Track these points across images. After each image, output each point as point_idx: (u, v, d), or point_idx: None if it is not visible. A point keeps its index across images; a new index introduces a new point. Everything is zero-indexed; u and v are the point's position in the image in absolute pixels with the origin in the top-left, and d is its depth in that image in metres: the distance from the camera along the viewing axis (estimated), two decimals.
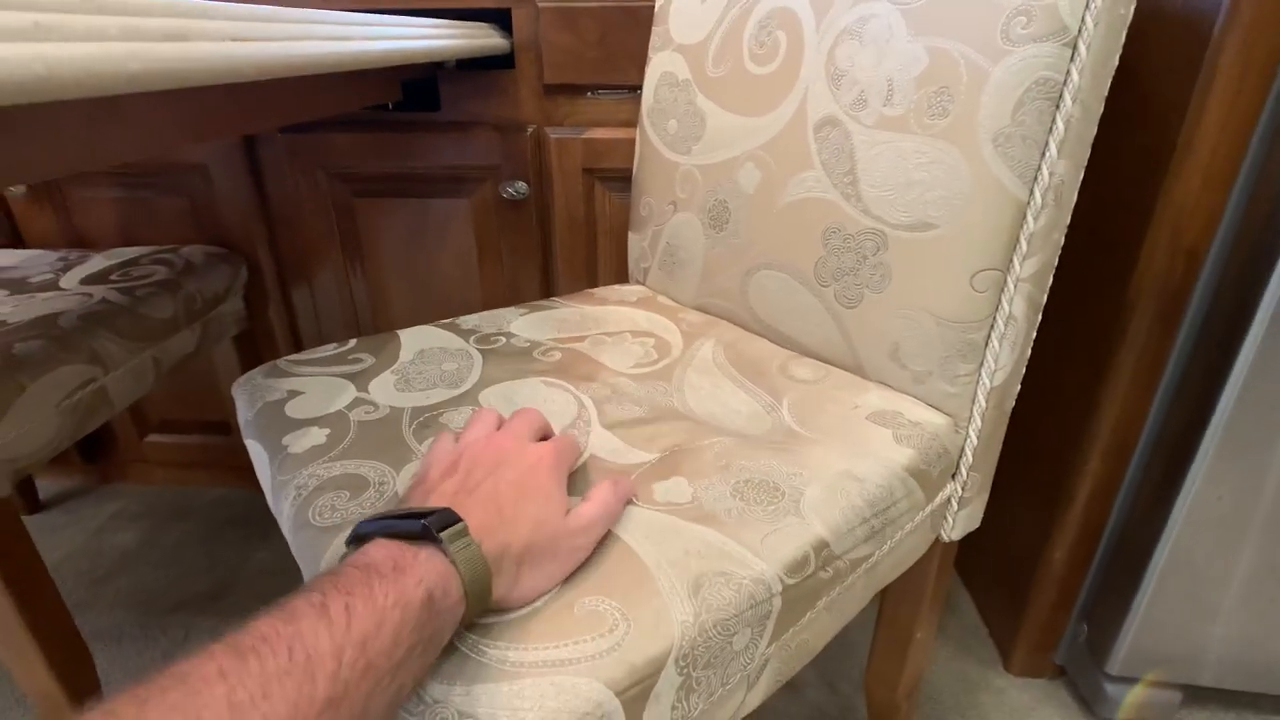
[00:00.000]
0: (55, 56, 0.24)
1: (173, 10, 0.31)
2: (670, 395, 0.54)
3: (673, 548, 0.37)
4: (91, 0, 0.27)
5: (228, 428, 1.07)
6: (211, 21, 0.33)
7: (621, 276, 0.92)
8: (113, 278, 0.82)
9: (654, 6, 0.72)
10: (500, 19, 0.80)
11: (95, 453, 1.13)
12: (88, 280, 0.81)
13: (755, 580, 0.37)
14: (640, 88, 0.75)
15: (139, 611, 0.92)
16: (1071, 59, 0.44)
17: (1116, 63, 0.46)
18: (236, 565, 1.00)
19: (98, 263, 0.87)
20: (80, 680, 0.71)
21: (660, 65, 0.71)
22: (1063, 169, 0.46)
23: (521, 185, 0.86)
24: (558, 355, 0.60)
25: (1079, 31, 0.43)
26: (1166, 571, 0.69)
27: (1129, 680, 0.75)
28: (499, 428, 0.42)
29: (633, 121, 0.84)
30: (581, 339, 0.64)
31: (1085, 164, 0.48)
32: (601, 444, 0.47)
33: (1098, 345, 0.69)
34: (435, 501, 0.34)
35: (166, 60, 0.28)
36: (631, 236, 0.79)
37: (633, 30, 0.78)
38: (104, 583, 0.97)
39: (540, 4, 0.79)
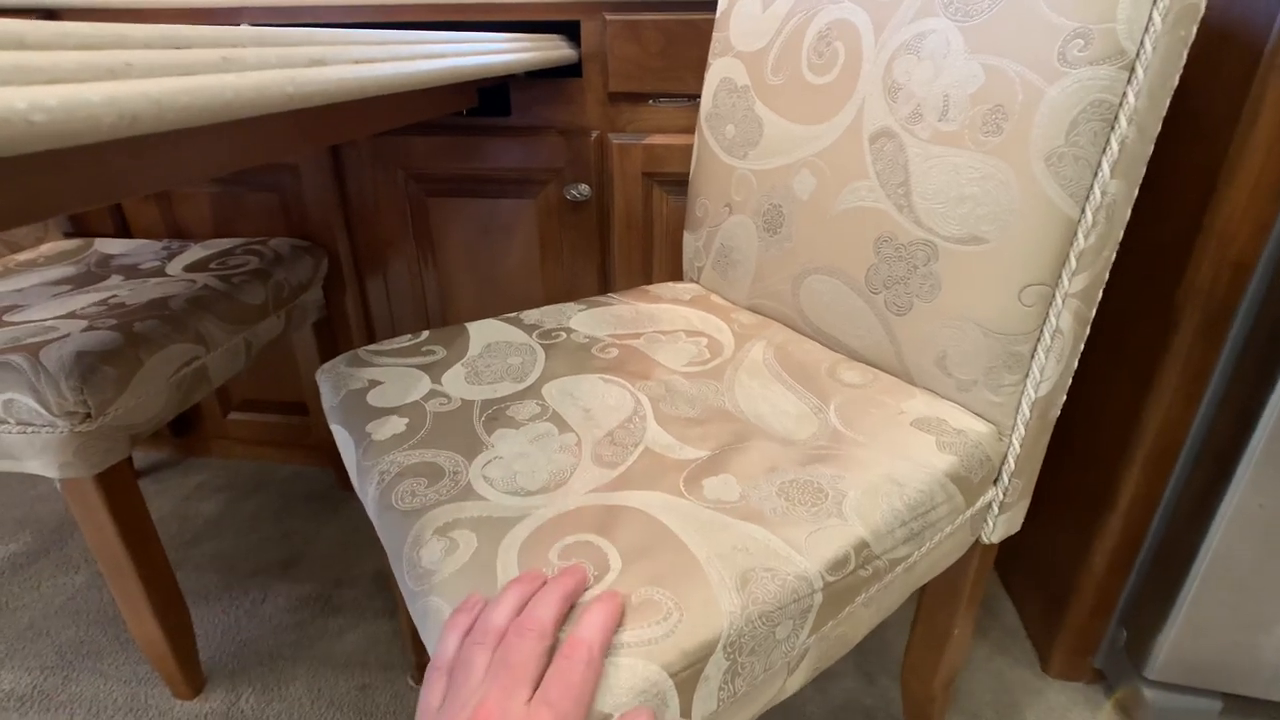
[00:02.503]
0: (237, 85, 0.28)
1: (313, 39, 0.36)
2: (721, 395, 0.58)
3: (722, 542, 0.41)
4: (257, 35, 0.32)
5: (304, 408, 1.14)
6: (342, 47, 0.38)
7: (675, 275, 0.95)
8: (211, 266, 0.89)
9: (715, 18, 0.74)
10: (570, 30, 0.84)
11: (183, 428, 1.22)
12: (190, 268, 0.88)
13: (798, 576, 0.40)
14: (698, 97, 0.78)
15: (222, 573, 1.00)
16: (1129, 82, 0.45)
17: (1175, 84, 0.47)
18: (309, 536, 1.07)
19: (197, 252, 0.94)
20: (179, 629, 0.78)
21: (720, 71, 0.74)
22: (1115, 188, 0.47)
23: (584, 188, 0.90)
24: (615, 352, 0.64)
25: (1137, 55, 0.44)
26: (1207, 579, 0.69)
27: (1168, 686, 0.76)
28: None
29: (690, 128, 0.87)
30: (637, 336, 0.67)
31: (1140, 182, 0.49)
32: (656, 439, 0.51)
33: (1143, 354, 0.70)
34: None
35: (313, 83, 0.33)
36: (687, 236, 0.82)
37: (694, 41, 0.81)
38: (191, 546, 1.06)
39: (608, 17, 0.82)
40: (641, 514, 0.43)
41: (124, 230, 1.05)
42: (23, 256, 0.95)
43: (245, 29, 0.32)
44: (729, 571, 0.39)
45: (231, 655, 0.87)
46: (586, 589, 0.38)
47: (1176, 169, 0.66)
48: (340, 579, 0.99)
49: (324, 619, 0.92)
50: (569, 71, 0.86)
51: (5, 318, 0.73)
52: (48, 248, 0.98)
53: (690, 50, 0.82)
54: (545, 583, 0.38)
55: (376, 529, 0.48)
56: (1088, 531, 0.78)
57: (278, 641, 0.89)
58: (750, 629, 0.37)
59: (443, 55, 0.52)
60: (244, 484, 1.19)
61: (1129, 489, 0.73)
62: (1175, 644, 0.73)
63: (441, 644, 0.37)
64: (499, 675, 0.33)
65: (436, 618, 0.39)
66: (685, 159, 0.86)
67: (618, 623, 0.36)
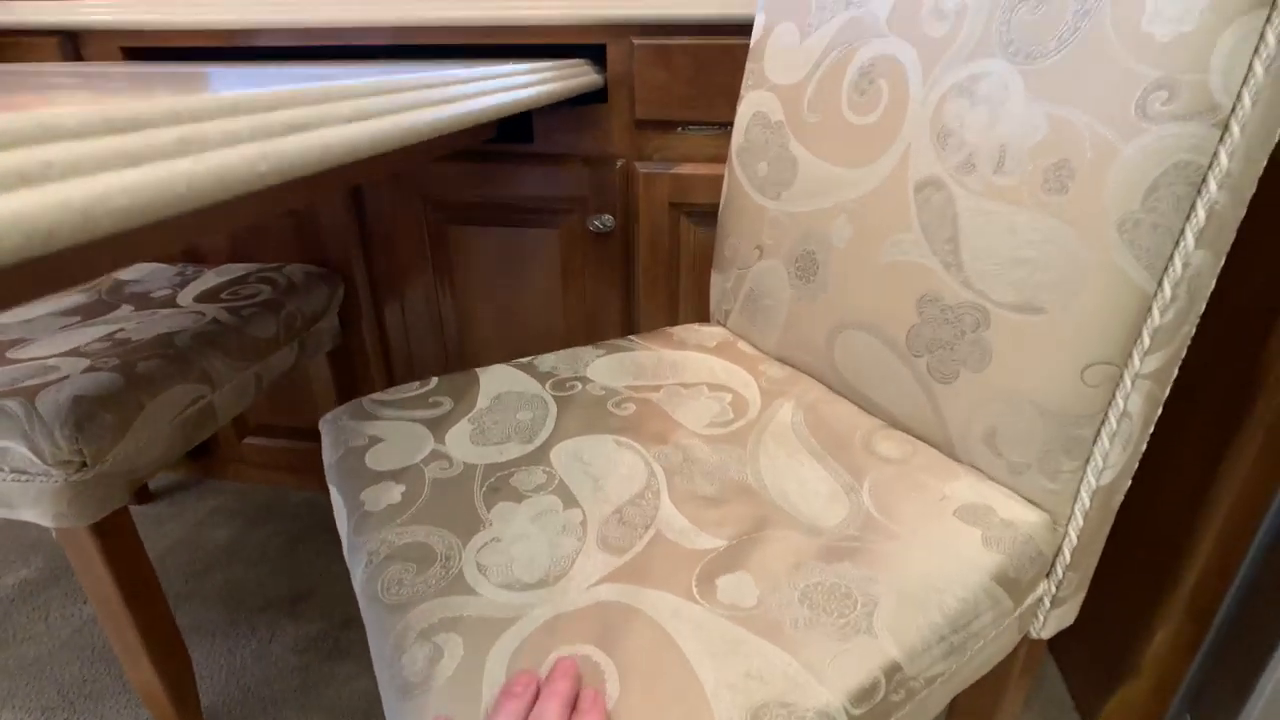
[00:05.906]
0: (193, 171, 0.26)
1: (296, 100, 0.32)
2: (744, 465, 0.53)
3: (733, 669, 0.36)
4: (231, 102, 0.29)
5: (318, 435, 1.12)
6: (331, 105, 0.34)
7: (702, 312, 0.91)
8: (223, 296, 0.87)
9: (749, 44, 0.69)
10: (596, 55, 0.79)
11: (198, 451, 1.21)
12: (201, 298, 0.86)
13: (819, 712, 0.35)
14: (730, 124, 0.73)
15: (231, 608, 0.98)
16: (1221, 140, 0.39)
17: (1276, 140, 0.41)
18: (320, 569, 1.05)
19: (210, 279, 0.92)
20: (178, 678, 0.76)
21: (753, 104, 0.69)
22: (1199, 260, 0.41)
23: (608, 218, 0.86)
24: (632, 408, 0.60)
25: (1233, 110, 0.38)
26: None
27: None
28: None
29: (721, 157, 0.82)
30: (657, 389, 0.63)
31: (1228, 250, 0.43)
32: (670, 522, 0.46)
33: (1221, 418, 0.63)
34: None
35: (290, 155, 0.30)
36: (714, 276, 0.77)
37: (726, 67, 0.77)
38: (201, 577, 1.04)
39: (636, 41, 0.78)
40: (648, 620, 0.39)
41: None
42: None
43: (217, 96, 0.28)
44: (739, 705, 0.34)
45: (235, 701, 0.85)
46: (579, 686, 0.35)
47: (1265, 214, 0.59)
48: (349, 618, 0.96)
49: (330, 664, 0.89)
50: (594, 97, 0.82)
51: (8, 354, 0.71)
52: None
53: (722, 76, 0.77)
54: (538, 690, 0.35)
55: (363, 615, 0.45)
56: (1150, 604, 0.71)
57: (282, 686, 0.86)
58: None
59: (457, 98, 0.48)
60: (257, 510, 1.17)
61: (1198, 563, 0.66)
62: None
63: None
64: None
65: None
66: (714, 189, 0.81)
67: None
